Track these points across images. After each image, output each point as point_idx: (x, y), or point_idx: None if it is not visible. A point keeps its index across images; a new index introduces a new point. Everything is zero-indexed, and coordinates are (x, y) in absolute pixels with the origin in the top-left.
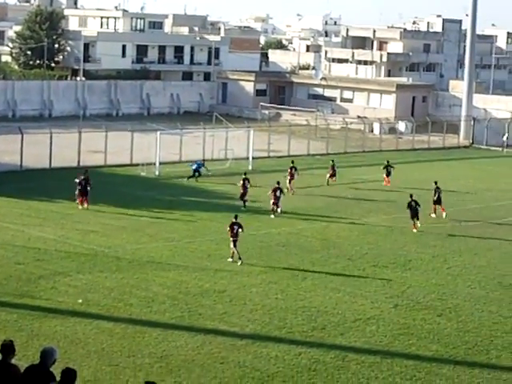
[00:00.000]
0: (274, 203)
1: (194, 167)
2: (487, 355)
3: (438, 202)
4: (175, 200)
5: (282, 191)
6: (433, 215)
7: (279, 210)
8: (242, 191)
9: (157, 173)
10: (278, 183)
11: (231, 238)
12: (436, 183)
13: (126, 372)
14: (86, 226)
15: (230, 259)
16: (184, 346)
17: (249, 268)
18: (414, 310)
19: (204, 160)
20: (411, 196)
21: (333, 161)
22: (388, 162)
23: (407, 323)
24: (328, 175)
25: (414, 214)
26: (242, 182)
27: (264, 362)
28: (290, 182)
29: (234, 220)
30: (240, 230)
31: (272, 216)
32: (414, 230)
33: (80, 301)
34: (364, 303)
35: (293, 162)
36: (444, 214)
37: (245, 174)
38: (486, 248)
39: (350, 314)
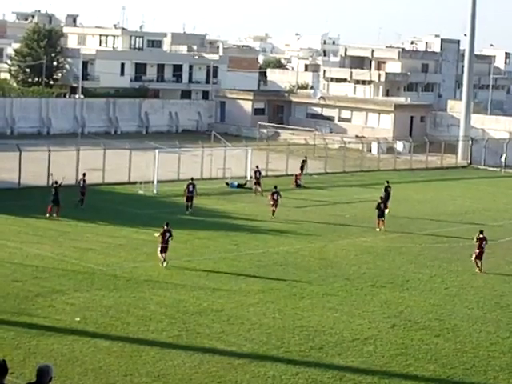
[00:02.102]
0: (273, 205)
1: (235, 185)
2: (485, 376)
3: (386, 199)
4: (173, 218)
5: (279, 194)
6: (386, 210)
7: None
8: (186, 195)
9: (155, 191)
10: (276, 187)
11: (160, 245)
12: (387, 182)
13: None
14: (84, 244)
15: (165, 263)
16: (181, 365)
17: (246, 287)
18: (411, 330)
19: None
20: (381, 198)
21: (306, 157)
22: (387, 182)
23: (405, 343)
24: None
25: (381, 215)
26: (186, 186)
27: (261, 381)
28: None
29: (165, 227)
30: (170, 237)
31: (273, 217)
32: (378, 229)
33: (77, 319)
34: (362, 323)
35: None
36: (386, 211)
37: (192, 179)
38: (483, 268)
39: (348, 333)
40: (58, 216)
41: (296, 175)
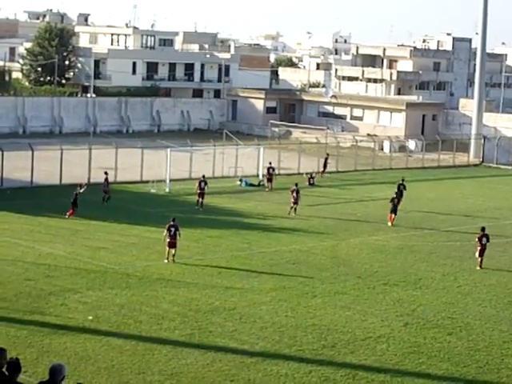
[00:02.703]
0: (293, 202)
1: (248, 183)
2: (498, 374)
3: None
4: (185, 217)
5: (298, 192)
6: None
7: (296, 208)
8: (198, 191)
9: (167, 190)
10: (296, 185)
11: (167, 240)
12: (403, 180)
13: None
14: (96, 243)
15: (166, 260)
16: (194, 363)
17: (259, 285)
18: (424, 328)
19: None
20: (396, 193)
21: (328, 154)
22: (403, 180)
23: (417, 342)
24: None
25: (393, 209)
26: (198, 183)
27: (274, 379)
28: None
29: (171, 222)
30: (177, 232)
31: (288, 214)
32: (389, 224)
33: (90, 317)
34: (374, 321)
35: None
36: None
37: (203, 176)
38: (496, 266)
39: (360, 332)
40: (68, 217)
41: (320, 172)
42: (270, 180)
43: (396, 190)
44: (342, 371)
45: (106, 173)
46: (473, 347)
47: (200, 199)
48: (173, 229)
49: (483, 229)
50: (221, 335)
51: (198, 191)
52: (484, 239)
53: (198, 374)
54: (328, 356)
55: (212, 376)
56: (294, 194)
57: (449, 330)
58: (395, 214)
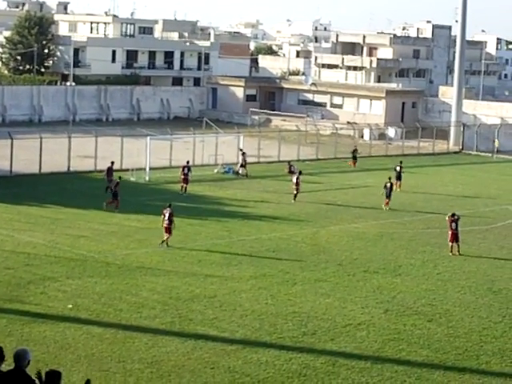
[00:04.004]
0: (296, 189)
1: (227, 169)
2: (477, 361)
3: (398, 178)
4: (165, 205)
5: (299, 178)
6: (398, 189)
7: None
8: (182, 177)
9: (147, 178)
10: (300, 173)
11: (164, 225)
12: (401, 162)
13: (116, 377)
14: (76, 231)
15: (166, 245)
16: (174, 351)
17: (239, 273)
18: (404, 315)
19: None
20: (390, 178)
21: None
22: (401, 162)
23: (397, 329)
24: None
25: (388, 194)
26: (181, 169)
27: (254, 367)
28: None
29: (167, 208)
30: (171, 218)
31: (293, 201)
32: (383, 206)
33: (70, 306)
34: (354, 308)
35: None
36: (397, 189)
37: (187, 162)
38: (475, 254)
39: (341, 319)
40: (116, 209)
41: (351, 163)
42: (242, 166)
43: (394, 172)
44: (322, 358)
45: (112, 162)
46: (452, 334)
47: (184, 185)
48: (167, 214)
49: (453, 214)
50: (201, 323)
51: (182, 177)
52: (454, 224)
53: (179, 361)
54: (308, 343)
55: (192, 364)
56: (294, 180)
57: (428, 317)
58: (389, 199)
